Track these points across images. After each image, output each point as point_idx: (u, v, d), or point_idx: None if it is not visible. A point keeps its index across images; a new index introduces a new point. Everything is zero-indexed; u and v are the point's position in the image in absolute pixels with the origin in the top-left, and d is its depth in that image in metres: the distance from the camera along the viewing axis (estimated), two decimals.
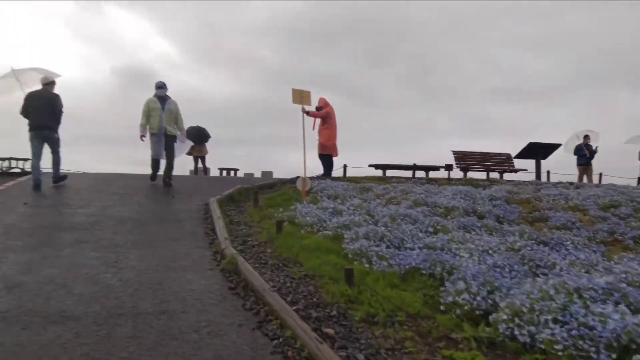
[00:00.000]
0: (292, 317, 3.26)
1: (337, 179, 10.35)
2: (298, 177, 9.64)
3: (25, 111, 7.94)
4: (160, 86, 8.60)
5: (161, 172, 8.84)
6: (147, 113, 8.42)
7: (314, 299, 3.70)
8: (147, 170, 9.09)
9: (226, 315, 3.45)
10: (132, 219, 6.13)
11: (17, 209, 6.21)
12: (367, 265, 4.28)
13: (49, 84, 8.24)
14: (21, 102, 8.04)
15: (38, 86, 8.25)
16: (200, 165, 15.01)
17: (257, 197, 7.26)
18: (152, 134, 8.51)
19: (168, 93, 8.81)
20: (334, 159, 11.16)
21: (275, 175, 17.17)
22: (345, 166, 10.94)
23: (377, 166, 12.06)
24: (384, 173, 12.10)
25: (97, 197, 7.36)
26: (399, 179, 10.49)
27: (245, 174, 17.80)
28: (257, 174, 17.26)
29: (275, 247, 5.05)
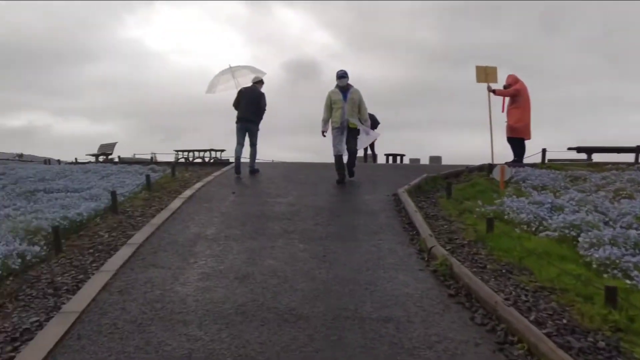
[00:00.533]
0: (546, 344, 2.68)
1: (531, 165, 9.07)
2: (489, 164, 8.74)
3: (237, 104, 8.86)
4: (342, 75, 7.79)
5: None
6: (329, 106, 7.82)
7: (564, 321, 3.04)
8: (323, 158, 9.17)
9: (456, 329, 3.04)
10: (327, 209, 6.18)
11: (229, 197, 6.81)
12: (627, 282, 3.39)
13: (258, 82, 9.08)
14: (233, 97, 8.99)
15: (249, 82, 9.15)
16: (369, 151, 15.02)
17: (450, 188, 6.68)
18: (333, 128, 7.86)
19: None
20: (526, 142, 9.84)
21: (445, 161, 16.18)
22: (544, 151, 9.53)
23: (580, 149, 10.27)
24: (589, 157, 10.23)
25: (290, 186, 7.70)
26: (616, 165, 8.68)
27: (411, 160, 17.23)
28: (424, 160, 16.50)
29: (490, 248, 4.45)
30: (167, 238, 4.80)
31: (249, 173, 8.99)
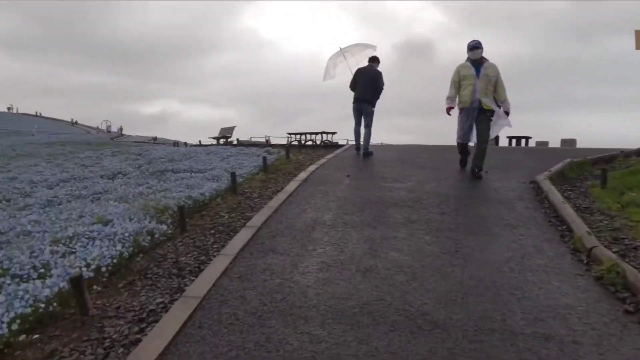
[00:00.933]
0: None
1: None
2: None
3: (353, 84, 8.59)
4: (474, 46, 6.41)
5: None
6: (457, 83, 6.49)
7: None
8: (435, 141, 8.49)
9: None
10: (452, 196, 5.55)
11: (343, 181, 6.52)
12: None
13: (374, 61, 8.65)
14: (348, 78, 8.79)
15: (362, 60, 8.87)
16: None
17: (605, 176, 5.58)
18: (461, 109, 6.56)
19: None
20: None
21: (580, 144, 14.50)
22: None
23: None
24: None
25: (408, 171, 7.17)
26: None
27: (537, 143, 15.95)
28: (552, 143, 15.06)
29: None
30: (285, 222, 4.63)
31: (362, 155, 8.67)
